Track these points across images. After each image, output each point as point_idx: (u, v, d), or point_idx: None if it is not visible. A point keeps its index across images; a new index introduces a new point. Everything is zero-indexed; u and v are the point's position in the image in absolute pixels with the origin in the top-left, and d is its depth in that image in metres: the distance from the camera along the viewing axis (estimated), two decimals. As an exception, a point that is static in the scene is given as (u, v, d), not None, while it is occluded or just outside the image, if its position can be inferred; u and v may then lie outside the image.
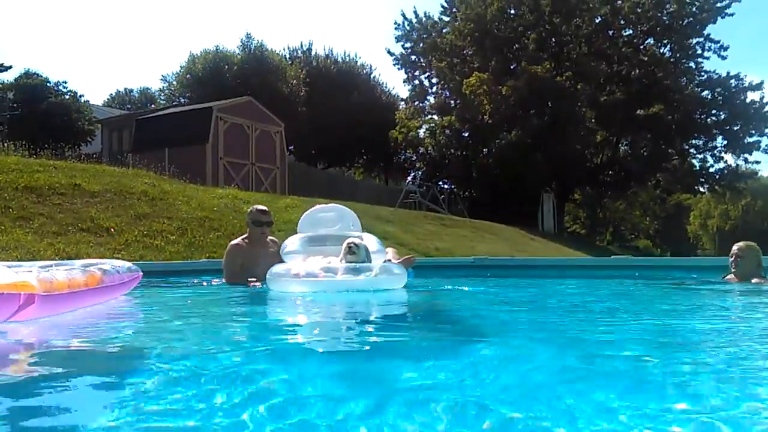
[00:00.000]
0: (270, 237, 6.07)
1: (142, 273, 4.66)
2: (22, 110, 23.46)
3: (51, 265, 3.63)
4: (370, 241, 5.70)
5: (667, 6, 32.11)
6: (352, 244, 5.13)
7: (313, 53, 39.44)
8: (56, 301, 3.27)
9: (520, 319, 3.92)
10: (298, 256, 5.66)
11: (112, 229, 10.40)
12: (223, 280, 5.84)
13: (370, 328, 3.56)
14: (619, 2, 32.67)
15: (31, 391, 2.04)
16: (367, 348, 2.81)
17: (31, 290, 2.98)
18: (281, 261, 5.93)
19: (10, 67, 25.65)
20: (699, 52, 33.02)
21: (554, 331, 3.28)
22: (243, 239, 5.85)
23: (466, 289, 5.99)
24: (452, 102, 35.90)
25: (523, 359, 2.41)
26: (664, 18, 32.50)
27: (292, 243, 5.85)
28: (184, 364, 2.32)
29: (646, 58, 32.69)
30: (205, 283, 6.23)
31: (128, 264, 4.56)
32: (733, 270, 5.43)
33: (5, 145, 16.53)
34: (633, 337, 3.00)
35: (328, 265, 5.11)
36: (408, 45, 38.34)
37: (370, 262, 5.19)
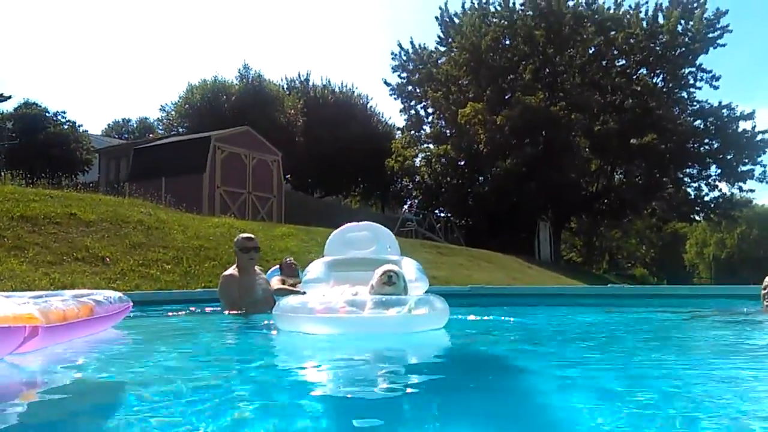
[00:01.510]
0: (286, 266, 6.19)
1: (132, 303, 4.66)
2: (21, 140, 23.58)
3: (42, 296, 3.63)
4: (409, 268, 4.86)
5: (660, 36, 32.60)
6: (391, 273, 4.27)
7: (310, 83, 39.83)
8: (56, 332, 3.29)
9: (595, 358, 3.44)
10: (321, 285, 4.91)
11: (108, 259, 10.37)
12: (225, 312, 5.83)
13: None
14: (613, 33, 33.18)
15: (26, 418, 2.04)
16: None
17: (36, 322, 3.00)
18: (269, 293, 5.93)
19: (10, 97, 25.78)
20: (691, 81, 33.48)
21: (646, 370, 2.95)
22: (234, 269, 5.87)
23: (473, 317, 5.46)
24: (448, 131, 36.14)
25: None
26: (657, 48, 32.97)
27: (314, 269, 5.16)
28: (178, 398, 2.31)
29: (639, 88, 33.06)
30: (191, 309, 6.24)
31: (119, 294, 4.56)
32: (766, 303, 5.24)
33: (2, 174, 16.56)
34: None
35: (354, 297, 4.24)
36: (404, 75, 38.76)
37: (407, 294, 4.33)
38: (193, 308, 6.42)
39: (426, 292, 4.72)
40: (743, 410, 2.08)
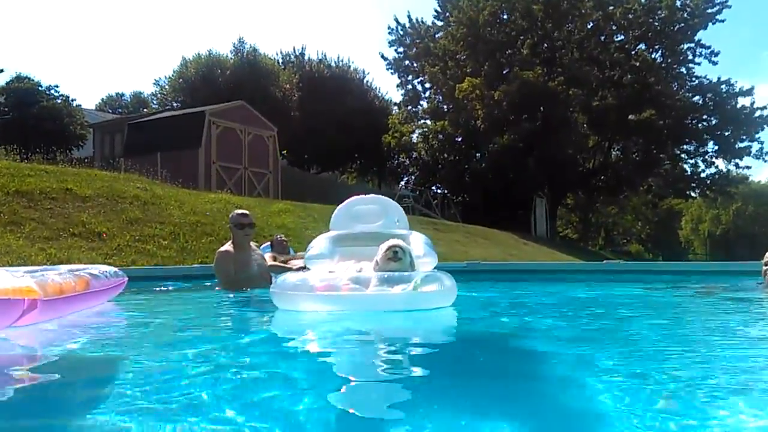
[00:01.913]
0: (277, 242, 6.18)
1: (127, 278, 4.64)
2: (13, 114, 23.32)
3: (38, 270, 3.60)
4: (417, 243, 4.64)
5: (659, 12, 32.30)
6: (397, 248, 4.08)
7: (306, 58, 39.46)
8: (55, 305, 3.28)
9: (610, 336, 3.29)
10: (324, 261, 4.70)
11: (104, 234, 10.33)
12: (217, 288, 5.85)
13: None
14: (611, 8, 32.85)
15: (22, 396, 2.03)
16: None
17: (35, 295, 2.99)
18: (265, 268, 5.92)
19: (1, 71, 25.50)
20: (690, 57, 33.28)
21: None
22: (229, 245, 5.89)
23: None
24: (445, 107, 35.96)
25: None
26: (656, 23, 32.71)
27: (317, 244, 4.93)
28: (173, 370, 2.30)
29: (637, 64, 32.86)
30: (169, 288, 6.27)
31: (114, 269, 4.54)
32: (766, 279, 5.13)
33: (-4, 149, 16.43)
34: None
35: (358, 273, 4.06)
36: (401, 50, 38.45)
37: (414, 270, 4.10)
38: (170, 287, 6.39)
39: (435, 268, 4.51)
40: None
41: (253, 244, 6.11)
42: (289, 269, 6.12)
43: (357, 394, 2.06)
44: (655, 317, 4.26)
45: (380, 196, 5.70)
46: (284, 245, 7.59)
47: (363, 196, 5.61)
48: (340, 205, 5.50)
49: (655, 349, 2.88)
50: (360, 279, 3.87)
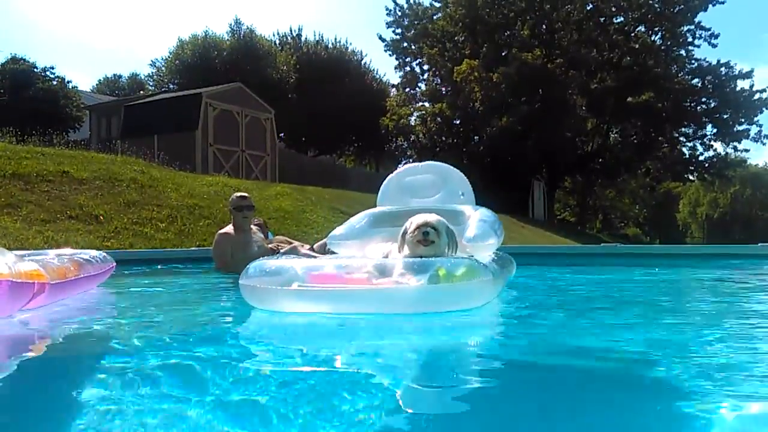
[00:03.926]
0: (254, 225, 6.17)
1: (115, 263, 4.64)
2: (9, 96, 23.19)
3: (24, 255, 3.62)
4: (473, 222, 3.78)
5: (659, -7, 32.10)
6: (428, 228, 3.20)
7: (303, 39, 39.17)
8: (59, 289, 3.33)
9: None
10: (350, 243, 4.07)
11: (101, 217, 10.32)
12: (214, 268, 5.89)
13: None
14: (611, -11, 32.63)
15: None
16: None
17: (43, 279, 3.04)
18: (266, 250, 5.90)
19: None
20: (690, 39, 33.09)
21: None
22: (230, 227, 5.94)
23: None
24: (443, 89, 35.79)
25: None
26: (655, 5, 32.48)
27: (350, 222, 4.28)
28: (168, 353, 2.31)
29: (636, 46, 32.70)
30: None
31: (103, 253, 4.55)
32: None
33: (-8, 131, 16.35)
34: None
35: (384, 259, 3.21)
36: (399, 31, 38.13)
37: (454, 254, 3.29)
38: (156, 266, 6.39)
39: (497, 253, 3.78)
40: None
41: (254, 227, 6.12)
42: (309, 255, 6.08)
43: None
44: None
45: (439, 163, 4.69)
46: (263, 228, 7.51)
47: (417, 163, 4.73)
48: (390, 176, 4.67)
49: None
50: (385, 267, 2.96)
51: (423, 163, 4.71)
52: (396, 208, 4.23)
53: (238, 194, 6.01)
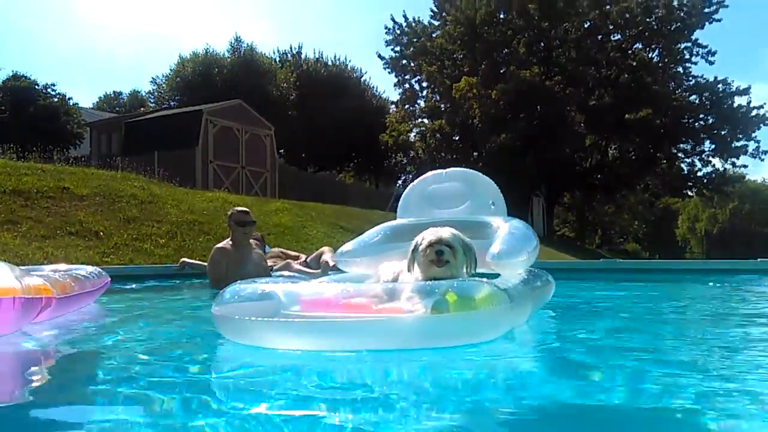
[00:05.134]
0: (252, 240, 6.09)
1: (110, 278, 4.65)
2: (10, 113, 23.27)
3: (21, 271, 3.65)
4: (501, 235, 3.39)
5: (656, 11, 32.32)
6: (442, 246, 2.79)
7: (303, 56, 39.43)
8: (63, 304, 3.39)
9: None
10: (358, 261, 3.72)
11: (101, 233, 10.32)
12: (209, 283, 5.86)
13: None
14: (608, 7, 32.87)
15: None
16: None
17: (50, 293, 3.09)
18: (265, 263, 5.86)
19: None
20: (687, 56, 33.30)
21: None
22: (228, 242, 5.85)
23: None
24: (442, 106, 35.92)
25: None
26: (653, 23, 32.72)
27: (360, 239, 3.92)
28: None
29: (634, 63, 32.89)
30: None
31: (98, 269, 4.58)
32: None
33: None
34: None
35: (394, 281, 2.95)
36: (398, 49, 38.34)
37: (470, 273, 2.90)
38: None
39: (531, 270, 3.40)
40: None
41: (252, 242, 6.08)
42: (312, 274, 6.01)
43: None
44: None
45: (466, 169, 4.27)
46: (261, 243, 7.46)
47: (441, 171, 4.25)
48: (412, 184, 4.29)
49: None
50: (394, 290, 2.58)
51: (449, 170, 4.27)
52: (417, 221, 3.80)
53: (240, 208, 5.92)
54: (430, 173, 4.25)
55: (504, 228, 3.54)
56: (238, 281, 2.89)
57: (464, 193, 4.04)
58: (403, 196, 4.32)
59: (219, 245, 5.87)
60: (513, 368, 2.43)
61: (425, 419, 1.69)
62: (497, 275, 3.08)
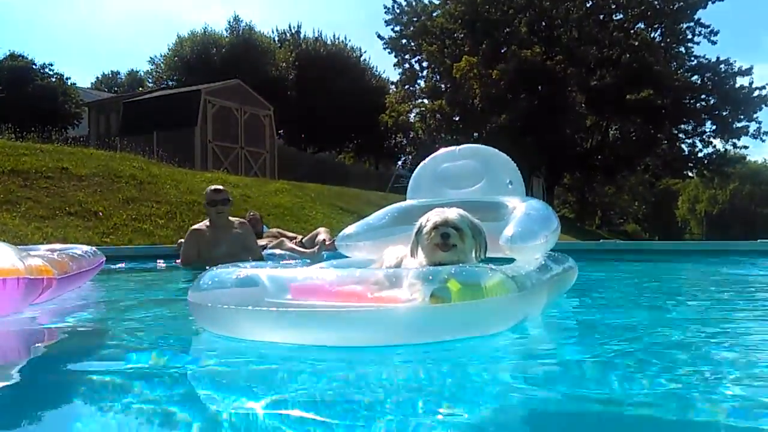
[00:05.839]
0: (239, 219, 5.91)
1: (105, 258, 4.64)
2: (8, 93, 23.16)
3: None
4: (517, 217, 3.14)
5: (658, -10, 32.04)
6: (448, 229, 2.54)
7: (302, 36, 39.13)
8: (63, 284, 3.39)
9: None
10: (361, 245, 3.52)
11: (100, 213, 10.31)
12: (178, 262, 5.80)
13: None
14: (610, -14, 32.58)
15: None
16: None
17: (51, 274, 3.09)
18: (249, 244, 5.62)
19: (-4, 49, 25.26)
20: (689, 37, 33.00)
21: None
22: (204, 223, 5.71)
23: None
24: (443, 86, 35.72)
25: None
26: (655, 2, 32.42)
27: (364, 221, 3.70)
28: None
29: (636, 43, 32.64)
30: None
31: (94, 248, 4.57)
32: None
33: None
34: None
35: (393, 268, 2.72)
36: (398, 28, 38.02)
37: (479, 258, 2.62)
38: (121, 264, 6.23)
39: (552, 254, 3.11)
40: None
41: (237, 220, 5.85)
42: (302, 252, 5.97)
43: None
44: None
45: (480, 146, 4.03)
46: (258, 222, 7.43)
47: (454, 147, 3.94)
48: (423, 162, 3.96)
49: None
50: (396, 275, 2.29)
51: (462, 147, 3.97)
52: (428, 201, 3.49)
53: (212, 187, 5.68)
54: (441, 150, 3.97)
55: (520, 209, 3.25)
56: (219, 264, 2.66)
57: (479, 172, 3.79)
58: (414, 174, 4.04)
59: (195, 226, 5.70)
60: (519, 364, 2.14)
61: (425, 418, 1.52)
62: (512, 260, 2.83)
